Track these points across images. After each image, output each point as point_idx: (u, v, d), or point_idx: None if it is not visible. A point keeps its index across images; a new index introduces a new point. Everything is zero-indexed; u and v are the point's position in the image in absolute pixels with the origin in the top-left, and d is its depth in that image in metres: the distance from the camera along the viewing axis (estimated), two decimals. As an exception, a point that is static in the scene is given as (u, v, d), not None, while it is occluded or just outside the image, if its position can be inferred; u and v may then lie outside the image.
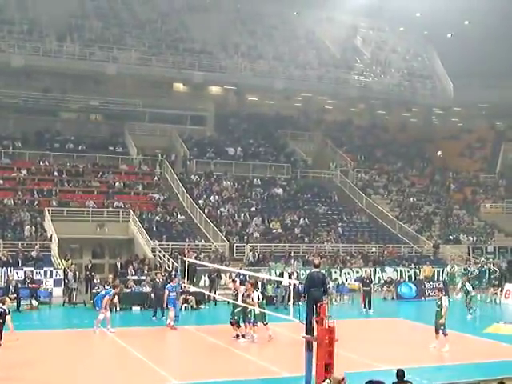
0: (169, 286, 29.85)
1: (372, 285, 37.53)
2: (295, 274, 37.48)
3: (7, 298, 21.81)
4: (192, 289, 33.93)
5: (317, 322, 17.41)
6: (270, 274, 38.08)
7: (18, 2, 58.11)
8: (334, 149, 63.41)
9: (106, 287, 31.45)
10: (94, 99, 56.23)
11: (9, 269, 36.86)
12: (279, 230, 48.75)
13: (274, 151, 60.24)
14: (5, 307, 20.72)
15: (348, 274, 43.50)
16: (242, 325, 25.88)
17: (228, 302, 29.77)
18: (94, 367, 21.82)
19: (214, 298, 35.60)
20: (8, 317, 20.32)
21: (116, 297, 32.31)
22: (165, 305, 29.62)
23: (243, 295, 26.00)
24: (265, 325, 25.74)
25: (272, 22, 68.30)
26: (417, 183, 62.34)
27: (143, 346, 24.94)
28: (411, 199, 58.71)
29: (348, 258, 46.28)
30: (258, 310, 25.58)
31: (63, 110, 56.96)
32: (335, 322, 17.13)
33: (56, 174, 49.15)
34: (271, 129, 63.62)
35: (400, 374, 14.12)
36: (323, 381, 15.19)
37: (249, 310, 25.57)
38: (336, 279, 41.06)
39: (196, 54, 59.33)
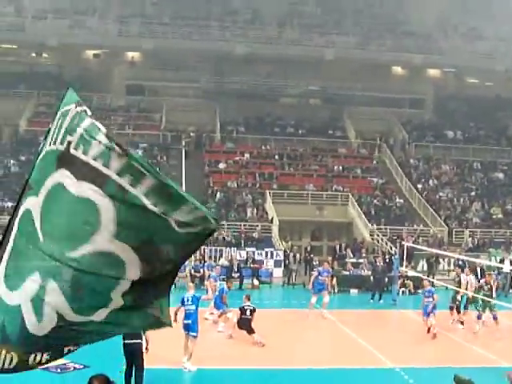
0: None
1: None
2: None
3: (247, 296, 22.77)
4: (410, 273, 34.03)
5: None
6: (490, 261, 37.35)
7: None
8: (559, 131, 60.72)
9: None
10: (313, 84, 57.25)
11: (232, 249, 38.49)
12: (500, 216, 47.57)
13: (495, 134, 58.61)
14: (252, 306, 22.08)
15: None
16: (461, 311, 25.77)
17: (446, 288, 29.63)
18: (311, 346, 22.61)
19: (433, 282, 35.42)
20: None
21: (334, 279, 33.08)
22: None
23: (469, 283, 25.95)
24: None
25: (493, 1, 66.14)
26: None
27: (360, 328, 25.38)
28: None
29: None
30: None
31: (283, 95, 58.37)
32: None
33: (277, 157, 50.66)
34: (492, 111, 61.80)
35: None
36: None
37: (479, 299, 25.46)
38: (560, 267, 39.67)
39: (414, 37, 58.72)
